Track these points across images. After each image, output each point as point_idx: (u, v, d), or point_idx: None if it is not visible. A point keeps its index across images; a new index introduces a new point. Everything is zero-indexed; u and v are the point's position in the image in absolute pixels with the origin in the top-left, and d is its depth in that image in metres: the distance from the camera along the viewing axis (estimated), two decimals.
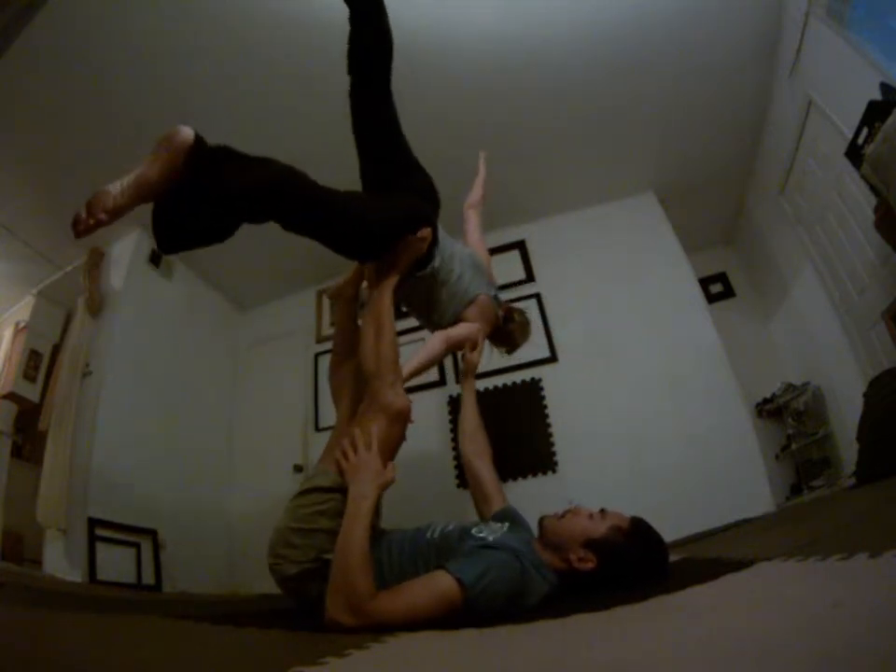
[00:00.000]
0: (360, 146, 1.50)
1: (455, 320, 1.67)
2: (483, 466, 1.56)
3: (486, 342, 1.88)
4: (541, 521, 1.13)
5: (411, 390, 3.32)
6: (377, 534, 1.21)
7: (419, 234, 1.41)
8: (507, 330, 1.86)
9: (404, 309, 1.86)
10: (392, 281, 1.41)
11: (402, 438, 1.25)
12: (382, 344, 1.30)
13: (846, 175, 2.45)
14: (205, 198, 0.96)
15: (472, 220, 2.02)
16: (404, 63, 2.54)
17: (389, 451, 1.20)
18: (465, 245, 1.75)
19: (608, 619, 0.77)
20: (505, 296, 2.89)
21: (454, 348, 1.67)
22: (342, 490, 1.11)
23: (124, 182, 0.89)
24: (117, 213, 0.89)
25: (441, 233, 1.61)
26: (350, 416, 1.39)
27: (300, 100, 2.57)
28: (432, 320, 1.74)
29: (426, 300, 1.65)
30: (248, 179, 1.01)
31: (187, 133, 0.91)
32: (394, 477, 1.14)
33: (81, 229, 0.88)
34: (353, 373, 1.55)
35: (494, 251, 3.51)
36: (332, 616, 0.89)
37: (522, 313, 1.93)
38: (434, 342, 1.59)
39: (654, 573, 1.01)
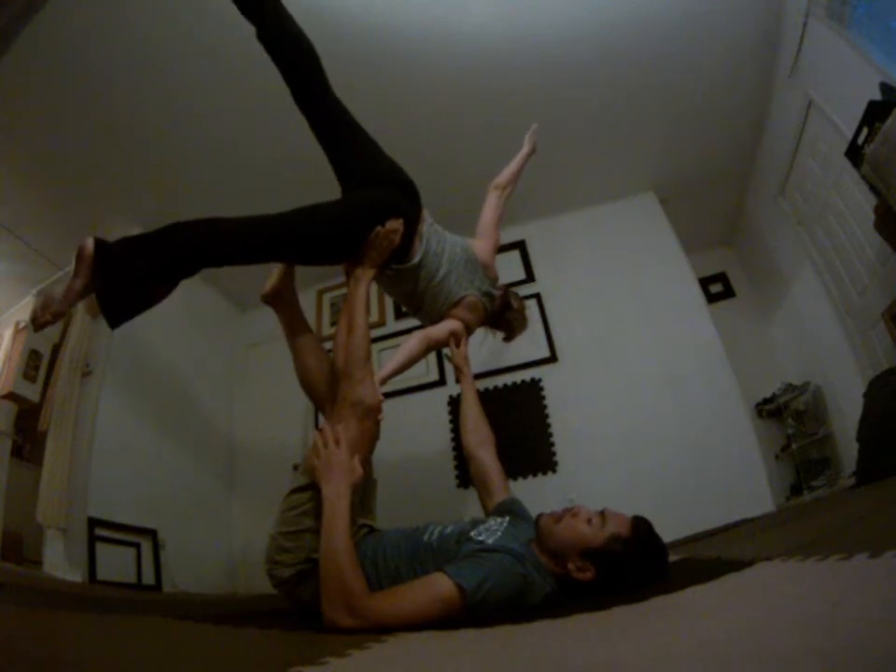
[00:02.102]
0: (324, 147, 1.53)
1: (440, 319, 1.66)
2: (486, 456, 1.56)
3: (483, 327, 1.87)
4: (538, 520, 1.10)
5: (410, 390, 3.34)
6: (369, 532, 1.22)
7: (388, 226, 1.40)
8: (506, 318, 1.83)
9: (404, 309, 1.85)
10: (365, 274, 1.42)
11: (376, 434, 1.26)
12: (353, 340, 1.30)
13: (846, 175, 2.45)
14: (134, 280, 1.17)
15: (490, 202, 1.91)
16: (402, 64, 2.55)
17: (363, 447, 1.20)
18: (463, 239, 1.71)
19: (607, 619, 0.77)
20: None
21: (434, 347, 1.66)
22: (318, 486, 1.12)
23: (61, 290, 1.14)
24: (59, 315, 1.16)
25: (430, 228, 1.59)
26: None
27: None
28: (419, 316, 1.74)
29: (412, 295, 1.64)
30: (165, 253, 1.20)
31: (88, 244, 1.12)
32: (363, 472, 1.13)
33: (38, 325, 1.17)
34: (325, 373, 1.56)
35: None
36: (330, 618, 0.89)
37: (518, 297, 1.89)
38: (412, 341, 1.58)
39: (654, 580, 0.98)
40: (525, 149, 2.01)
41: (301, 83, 1.47)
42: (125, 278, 1.16)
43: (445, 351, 1.76)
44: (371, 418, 1.22)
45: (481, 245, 1.77)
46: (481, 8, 2.37)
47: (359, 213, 1.41)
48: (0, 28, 1.94)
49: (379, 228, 1.40)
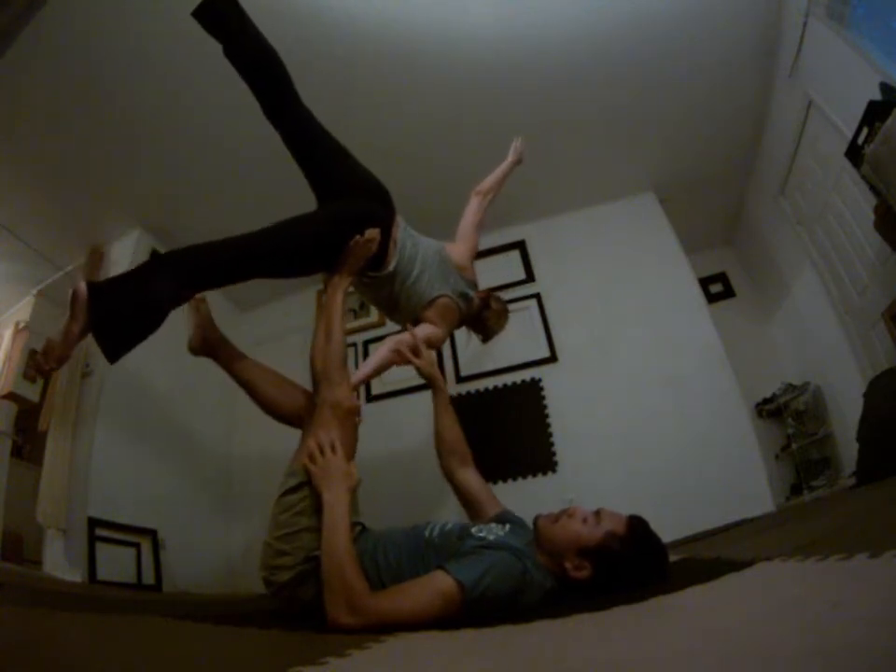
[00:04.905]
0: (297, 159, 1.54)
1: (415, 322, 1.66)
2: (470, 477, 1.53)
3: (465, 328, 1.89)
4: (536, 521, 1.12)
5: (410, 390, 3.34)
6: (364, 530, 1.22)
7: (366, 235, 1.44)
8: (482, 318, 1.84)
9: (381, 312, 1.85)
10: (342, 282, 1.45)
11: (356, 436, 1.27)
12: (330, 346, 1.33)
13: (846, 175, 2.45)
14: (128, 314, 1.19)
15: (472, 207, 1.93)
16: (401, 64, 2.55)
17: (347, 451, 1.20)
18: (437, 242, 1.72)
19: (608, 619, 0.77)
20: (505, 296, 2.88)
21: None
22: (311, 483, 1.13)
23: (60, 334, 1.16)
24: (62, 360, 1.18)
25: (404, 233, 1.61)
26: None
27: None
28: (395, 318, 1.75)
29: (388, 297, 1.65)
30: (155, 284, 1.21)
31: (81, 286, 1.15)
32: (360, 478, 1.16)
33: (44, 373, 1.22)
34: (280, 382, 1.60)
35: (494, 251, 3.53)
36: (334, 618, 0.90)
37: (499, 300, 1.90)
38: (385, 347, 1.58)
39: (653, 578, 0.99)
40: (511, 159, 2.04)
41: (272, 97, 1.48)
42: (119, 314, 1.19)
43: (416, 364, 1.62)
44: (350, 420, 1.25)
45: (457, 248, 1.79)
46: (480, 9, 2.37)
47: (340, 224, 1.44)
48: (1, 28, 1.94)
49: (357, 237, 1.43)
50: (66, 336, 1.15)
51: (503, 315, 1.91)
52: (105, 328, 1.17)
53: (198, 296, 1.68)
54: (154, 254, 1.28)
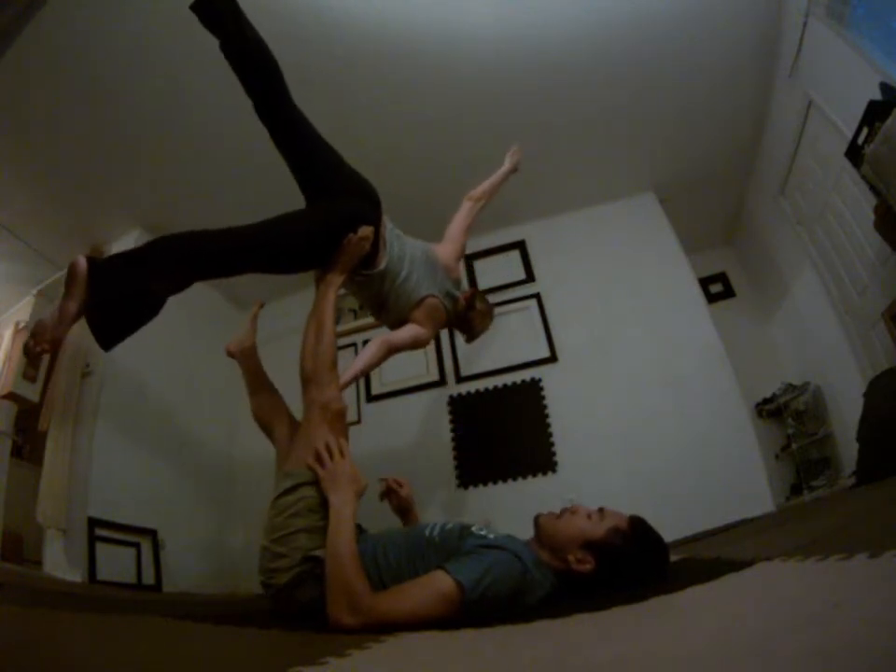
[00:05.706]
0: (286, 158, 1.54)
1: (402, 321, 1.66)
2: None
3: (452, 328, 1.91)
4: (537, 519, 1.13)
5: (410, 390, 3.33)
6: (362, 534, 1.23)
7: (360, 233, 1.45)
8: (467, 318, 1.85)
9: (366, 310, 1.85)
10: (335, 280, 1.45)
11: (346, 438, 1.27)
12: (321, 346, 1.33)
13: (846, 175, 2.45)
14: (126, 297, 1.14)
15: (462, 211, 1.95)
16: (401, 64, 2.55)
17: None
18: (424, 243, 1.74)
19: (608, 619, 0.77)
20: (505, 296, 2.89)
21: (394, 352, 1.65)
22: (306, 483, 1.13)
23: (54, 314, 1.08)
24: (56, 342, 1.10)
25: (392, 233, 1.62)
26: (291, 435, 1.46)
27: (300, 102, 2.56)
28: (382, 316, 1.75)
29: (377, 296, 1.66)
30: (157, 268, 1.18)
31: (80, 262, 1.09)
32: (366, 482, 1.16)
33: (34, 355, 1.20)
34: (278, 403, 1.69)
35: (494, 251, 3.54)
36: (335, 618, 0.90)
37: (484, 299, 1.91)
38: (372, 347, 1.58)
39: (654, 574, 1.01)
40: (506, 167, 2.06)
41: (264, 94, 1.48)
42: (114, 301, 1.12)
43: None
44: (339, 421, 1.24)
45: (444, 249, 1.80)
46: (480, 9, 2.37)
47: (333, 222, 1.45)
48: (1, 28, 1.94)
49: (351, 235, 1.44)
50: (62, 315, 1.08)
51: (487, 315, 1.91)
52: (100, 314, 1.12)
53: (257, 301, 1.88)
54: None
